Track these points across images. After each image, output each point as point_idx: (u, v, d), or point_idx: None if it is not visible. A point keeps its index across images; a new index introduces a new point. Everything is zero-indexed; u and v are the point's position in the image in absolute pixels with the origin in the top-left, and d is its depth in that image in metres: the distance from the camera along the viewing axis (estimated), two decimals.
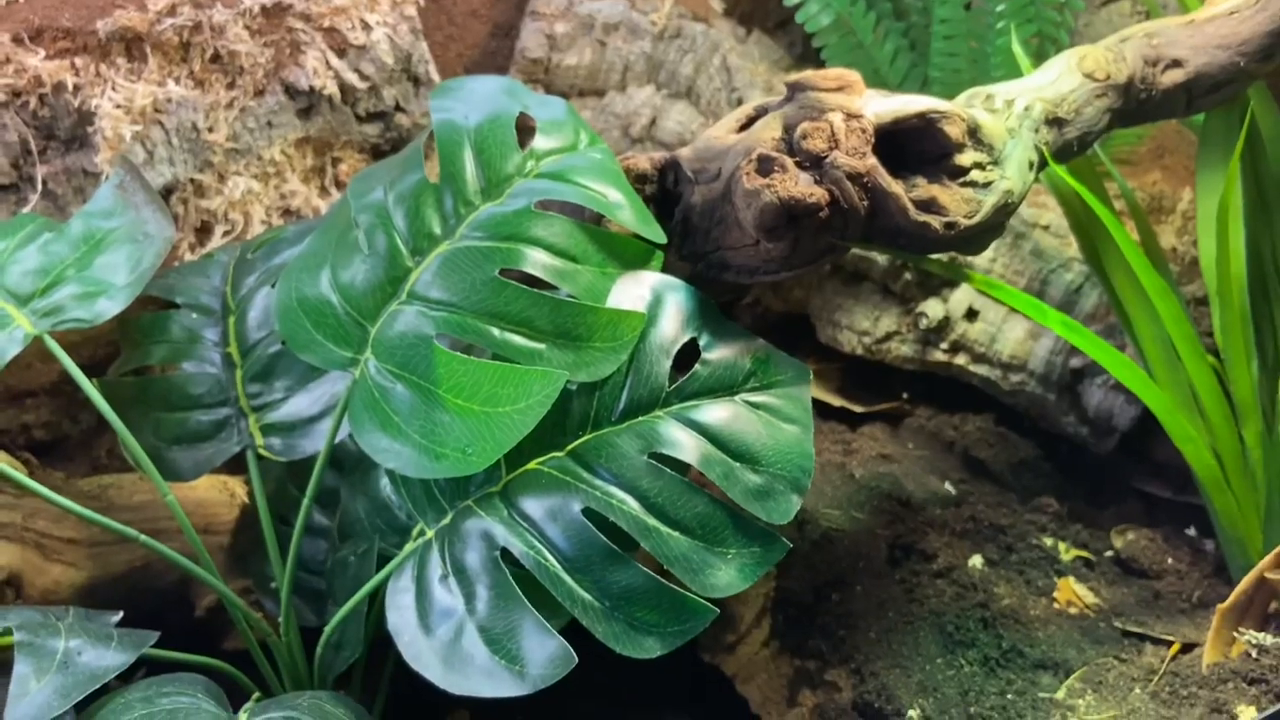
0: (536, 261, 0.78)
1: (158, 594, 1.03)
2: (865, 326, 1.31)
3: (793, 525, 1.12)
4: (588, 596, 0.72)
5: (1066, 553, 1.12)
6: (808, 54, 1.42)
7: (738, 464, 0.77)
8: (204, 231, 1.15)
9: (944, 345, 1.27)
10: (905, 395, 1.34)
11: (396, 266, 0.79)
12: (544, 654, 0.69)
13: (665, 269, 0.90)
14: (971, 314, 1.25)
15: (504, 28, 1.42)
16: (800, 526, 1.11)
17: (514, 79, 0.88)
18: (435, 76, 1.24)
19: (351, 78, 1.17)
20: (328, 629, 0.86)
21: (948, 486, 1.22)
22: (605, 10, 1.34)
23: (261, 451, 0.93)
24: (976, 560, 1.09)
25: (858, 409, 1.35)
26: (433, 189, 0.81)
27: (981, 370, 1.25)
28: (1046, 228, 1.22)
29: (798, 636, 1.03)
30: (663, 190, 0.93)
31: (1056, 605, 1.06)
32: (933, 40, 1.27)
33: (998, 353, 1.24)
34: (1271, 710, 0.89)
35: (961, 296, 1.25)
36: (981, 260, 1.23)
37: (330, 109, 1.18)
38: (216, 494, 1.06)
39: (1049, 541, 1.13)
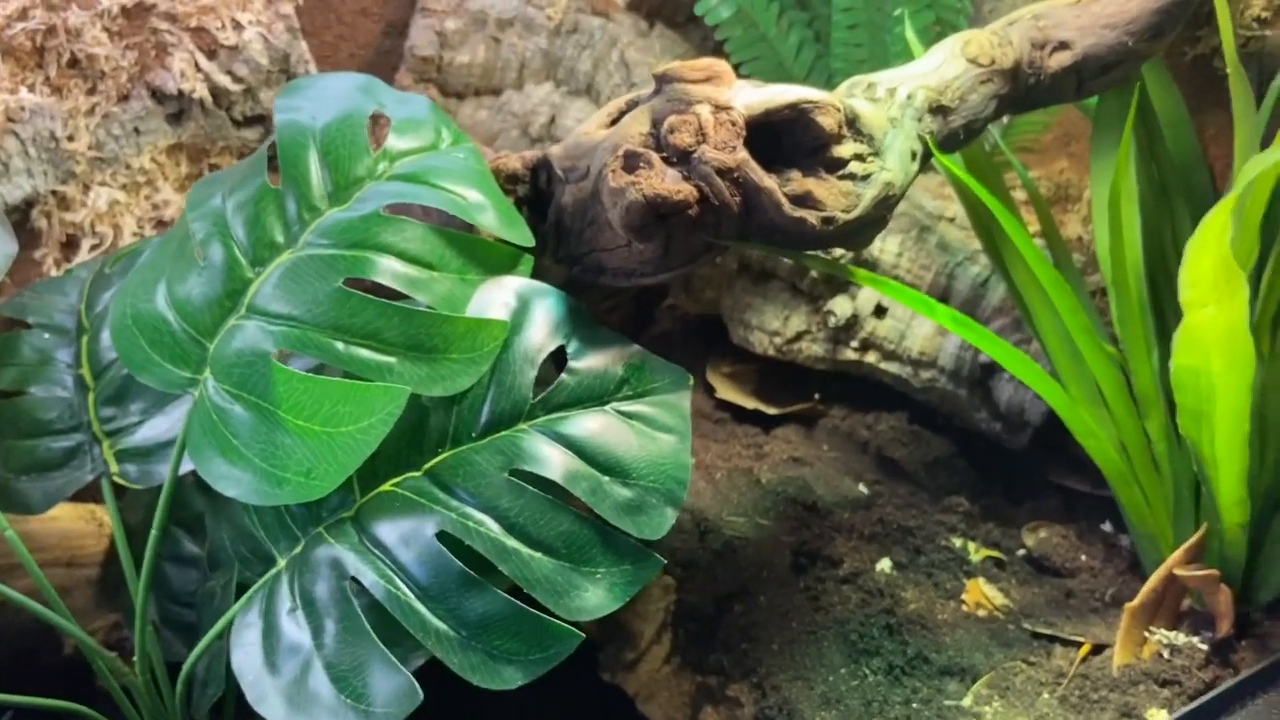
0: (387, 270, 0.73)
1: (23, 632, 0.97)
2: (775, 326, 1.28)
3: (695, 535, 1.09)
4: (442, 626, 0.67)
5: (976, 553, 1.09)
6: (715, 47, 1.38)
7: (607, 478, 0.73)
8: (70, 246, 1.09)
9: (854, 343, 1.23)
10: (817, 396, 1.30)
11: (235, 279, 0.74)
12: (389, 690, 0.64)
13: (540, 273, 0.85)
14: (880, 311, 1.21)
15: (397, 26, 1.37)
16: (702, 536, 1.07)
17: (371, 76, 0.83)
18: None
19: (224, 80, 1.11)
20: (186, 666, 0.80)
21: (861, 488, 1.18)
22: (498, 6, 1.30)
23: (116, 479, 0.87)
24: (885, 564, 1.06)
25: (771, 411, 1.32)
26: (274, 195, 0.76)
27: (892, 368, 1.22)
28: (952, 220, 1.19)
29: (699, 651, 0.99)
30: (536, 190, 0.89)
31: (965, 608, 1.03)
32: (834, 30, 1.24)
33: (907, 349, 1.21)
34: (1183, 711, 0.87)
35: (869, 293, 1.22)
36: (888, 255, 1.20)
37: (203, 113, 1.12)
38: (83, 524, 1.00)
39: (959, 542, 1.10)
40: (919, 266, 1.19)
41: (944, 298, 1.20)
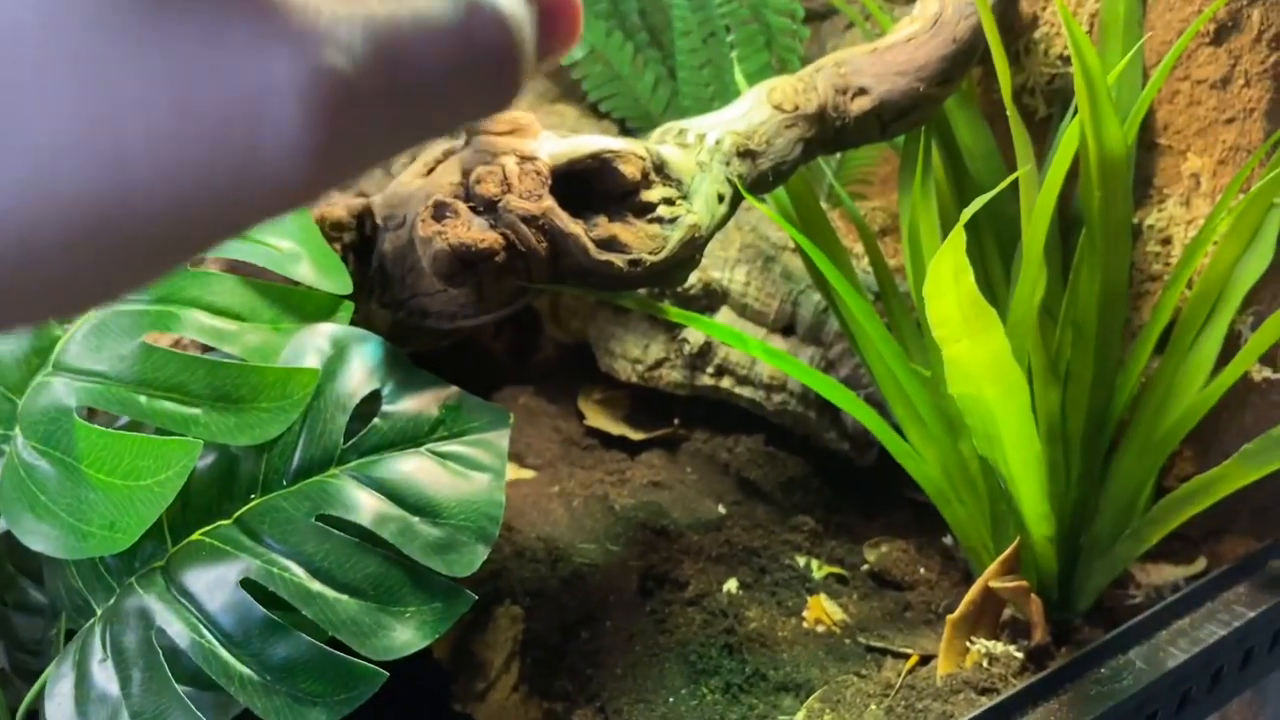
0: (193, 323, 0.75)
1: None
2: (637, 354, 1.32)
3: (546, 564, 1.12)
4: (246, 671, 0.69)
5: (819, 570, 1.13)
6: (575, 88, 1.42)
7: (416, 518, 0.76)
8: None
9: (709, 370, 1.27)
10: (677, 420, 1.34)
11: (43, 335, 0.76)
12: None
13: (368, 318, 0.88)
14: None
15: None
16: (553, 565, 1.10)
17: None
18: None
19: None
20: (20, 713, 0.81)
21: (720, 509, 1.22)
22: None
23: None
24: (731, 585, 1.10)
25: (636, 436, 1.35)
26: None
27: (746, 392, 1.27)
28: (795, 250, 1.24)
29: (546, 678, 1.02)
30: (362, 237, 0.91)
31: (805, 625, 1.07)
32: (679, 70, 1.28)
33: (758, 374, 1.25)
34: (978, 711, 0.91)
35: (721, 320, 1.26)
36: (736, 285, 1.24)
37: None
38: None
39: (803, 560, 1.14)
40: (765, 294, 1.24)
41: (790, 324, 1.24)
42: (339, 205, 0.91)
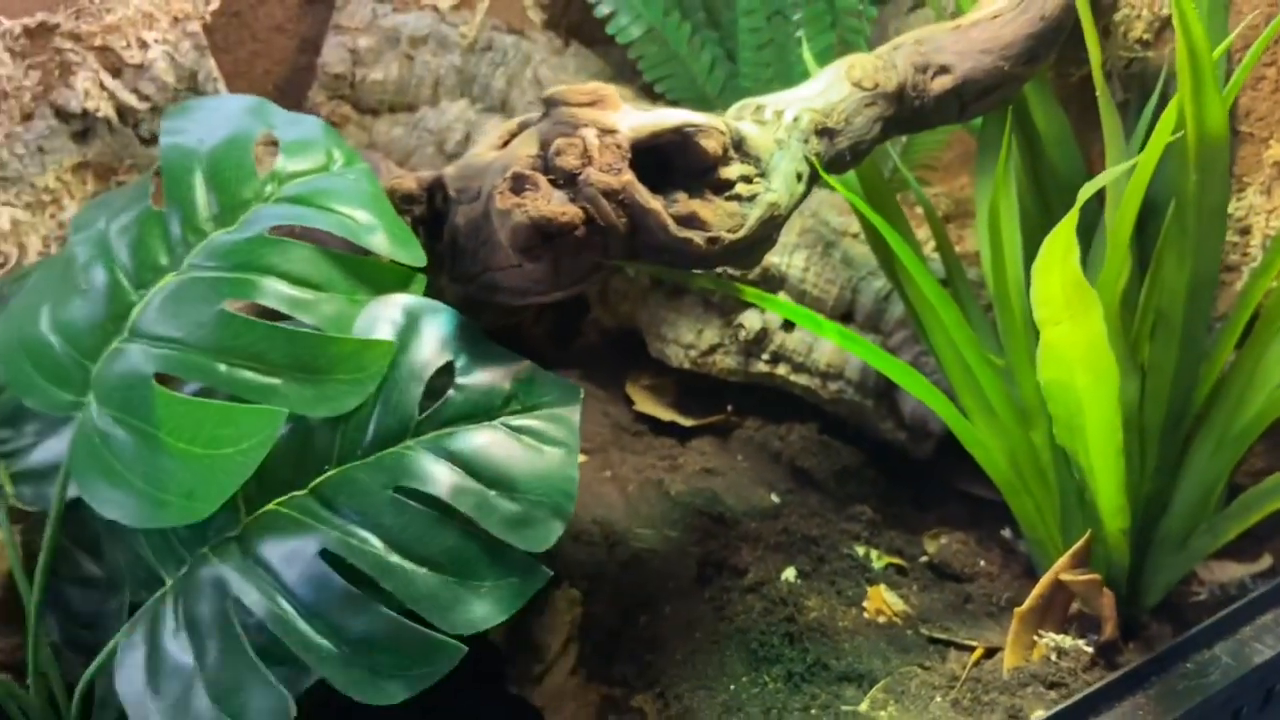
0: (272, 291, 0.74)
1: None
2: (690, 340, 1.30)
3: (603, 548, 1.10)
4: (324, 644, 0.68)
5: (879, 560, 1.12)
6: (632, 66, 1.40)
7: (493, 492, 0.74)
8: None
9: (765, 356, 1.26)
10: (731, 407, 1.32)
11: (118, 302, 0.74)
12: (264, 707, 0.65)
13: (438, 292, 0.86)
14: (789, 324, 1.24)
15: (311, 42, 1.38)
16: (610, 548, 1.09)
17: (262, 98, 0.84)
18: (225, 93, 1.19)
19: (129, 98, 1.11)
20: (80, 686, 0.80)
21: (773, 497, 1.21)
22: (412, 23, 1.31)
23: (12, 501, 0.87)
24: (789, 573, 1.08)
25: (687, 423, 1.34)
26: (158, 217, 0.76)
27: (802, 380, 1.25)
28: (856, 235, 1.22)
29: (604, 662, 1.00)
30: (432, 210, 0.90)
31: (866, 615, 1.05)
32: (741, 50, 1.26)
33: (815, 362, 1.23)
34: (1055, 710, 0.90)
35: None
36: (794, 270, 1.22)
37: (109, 131, 1.12)
38: None
39: (861, 550, 1.12)
40: (824, 281, 1.22)
41: (849, 311, 1.22)
42: (409, 178, 0.89)
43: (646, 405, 1.38)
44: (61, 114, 1.09)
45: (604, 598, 1.04)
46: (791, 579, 1.08)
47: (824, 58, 1.14)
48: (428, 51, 1.31)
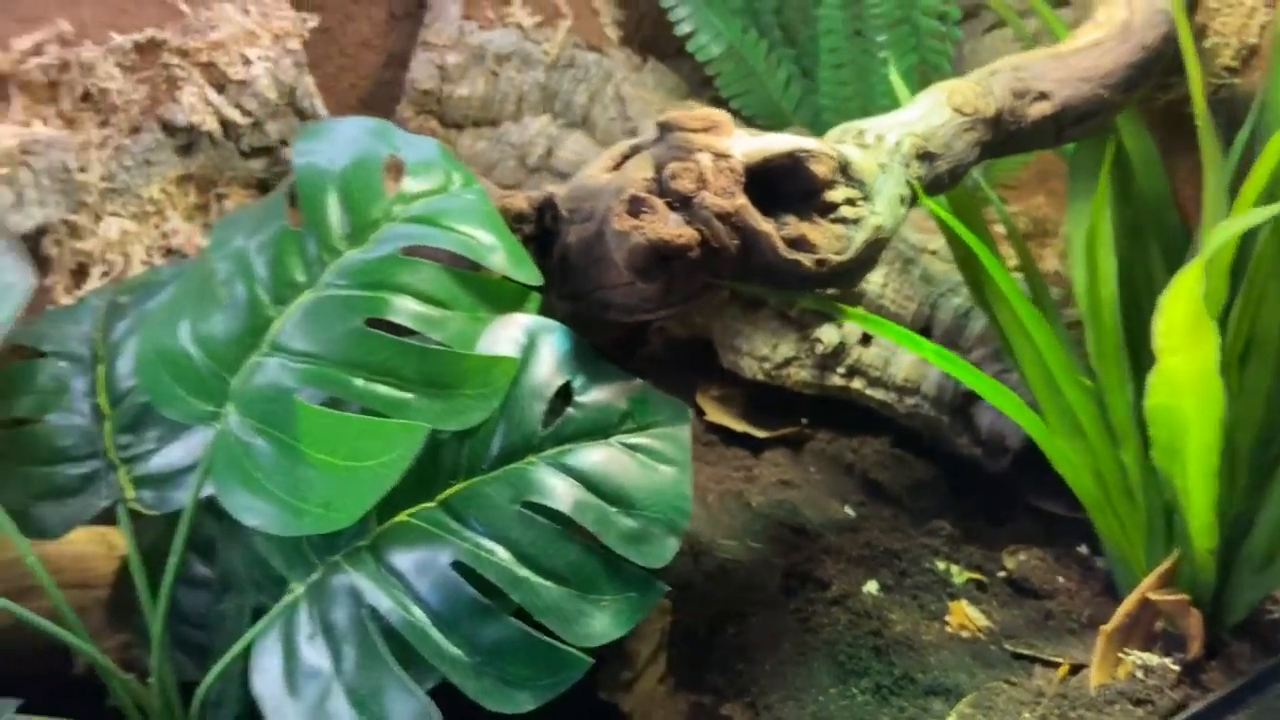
0: (403, 309, 0.77)
1: (35, 653, 0.99)
2: (764, 352, 1.32)
3: (689, 557, 1.13)
4: (456, 652, 0.70)
5: (959, 575, 1.13)
6: (705, 82, 1.43)
7: (613, 508, 0.77)
8: (80, 274, 1.11)
9: (840, 370, 1.27)
10: (805, 420, 1.34)
11: (258, 317, 0.77)
12: (407, 714, 0.67)
13: (546, 309, 0.89)
14: (866, 339, 1.26)
15: (398, 58, 1.41)
16: (696, 558, 1.11)
17: (384, 120, 0.87)
18: (322, 109, 1.22)
19: (232, 113, 1.14)
20: (202, 687, 0.83)
21: (847, 510, 1.22)
22: (497, 40, 1.33)
23: (132, 505, 0.90)
24: (871, 586, 1.10)
25: (760, 434, 1.36)
26: (295, 236, 0.79)
27: (877, 394, 1.27)
28: (934, 253, 1.24)
29: (694, 671, 1.02)
30: (542, 229, 0.92)
31: (949, 629, 1.07)
32: (820, 69, 1.28)
33: (892, 376, 1.25)
34: None
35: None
36: (873, 286, 1.24)
37: (212, 145, 1.15)
38: (94, 547, 1.02)
39: (942, 565, 1.14)
40: (903, 297, 1.24)
41: (927, 328, 1.24)
42: (519, 197, 0.92)
43: (719, 416, 1.40)
44: (167, 128, 1.12)
45: (692, 607, 1.06)
46: (874, 592, 1.09)
47: (907, 78, 1.16)
48: (512, 68, 1.34)
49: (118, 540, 1.05)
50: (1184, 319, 0.69)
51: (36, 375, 0.95)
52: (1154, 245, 1.01)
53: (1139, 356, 1.02)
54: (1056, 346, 0.94)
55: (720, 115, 0.85)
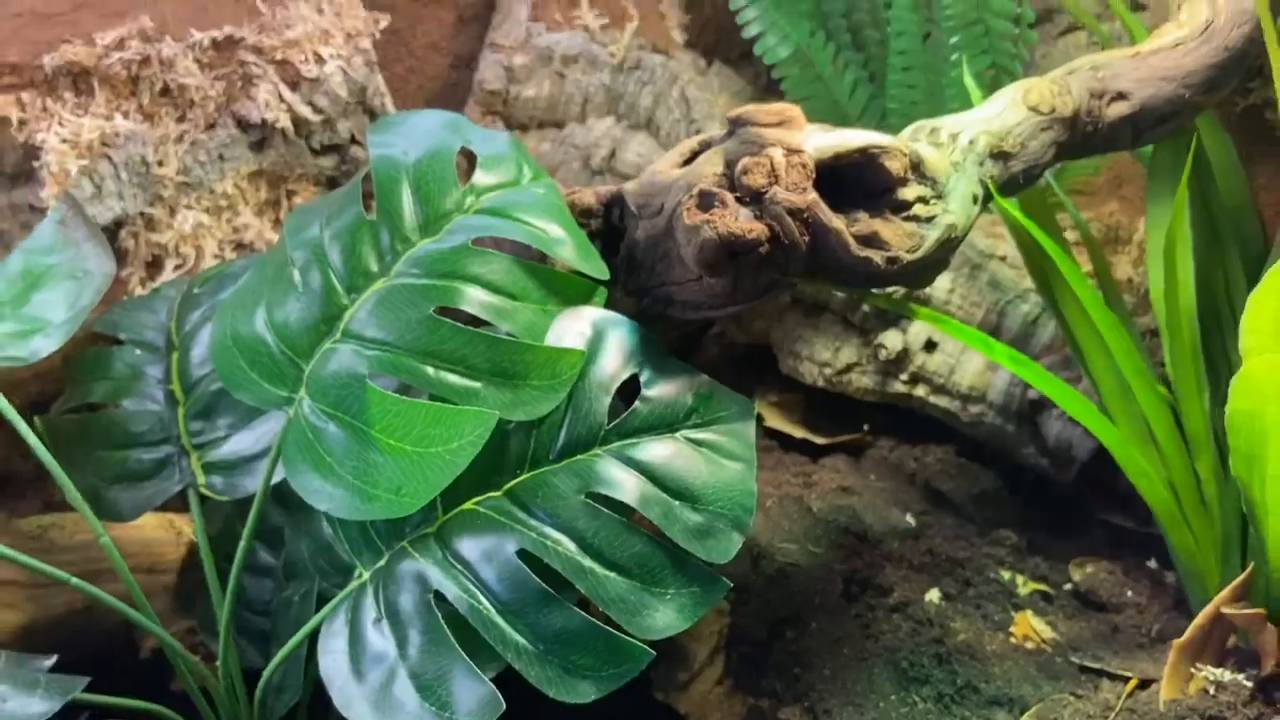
0: (474, 299, 0.77)
1: (102, 635, 1.01)
2: (826, 358, 1.31)
3: (748, 561, 1.12)
4: (521, 640, 0.70)
5: (1024, 586, 1.11)
6: (770, 85, 1.42)
7: (677, 503, 0.76)
8: (155, 265, 1.14)
9: (904, 377, 1.26)
10: (866, 426, 1.33)
11: (331, 304, 0.78)
12: (473, 700, 0.67)
13: (611, 304, 0.89)
14: (930, 345, 1.24)
15: (464, 59, 1.42)
16: (755, 562, 1.10)
17: (457, 114, 0.87)
18: (391, 108, 1.24)
19: (305, 110, 1.16)
20: (267, 671, 0.84)
21: (909, 518, 1.21)
22: (564, 42, 1.34)
23: (203, 490, 0.91)
24: (934, 594, 1.08)
25: (820, 441, 1.34)
26: (369, 226, 0.80)
27: (941, 402, 1.25)
28: (1003, 258, 1.22)
29: (752, 674, 1.01)
30: (609, 225, 0.93)
31: (1013, 640, 1.05)
32: (889, 72, 1.27)
33: (956, 384, 1.23)
34: None
35: (920, 328, 1.25)
36: (939, 291, 1.22)
37: (284, 142, 1.17)
38: (163, 533, 1.04)
39: (1007, 575, 1.12)
40: (970, 303, 1.22)
41: (994, 334, 1.22)
42: (588, 192, 0.92)
43: (778, 422, 1.39)
44: (242, 124, 1.15)
45: (751, 611, 1.05)
46: (937, 600, 1.08)
47: (978, 82, 1.15)
48: (578, 70, 1.35)
49: (184, 526, 1.07)
50: (1272, 318, 0.68)
51: (113, 362, 0.97)
52: (1233, 252, 0.99)
53: (1216, 365, 1.00)
54: (1131, 353, 0.92)
55: (793, 110, 0.84)
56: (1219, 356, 1.01)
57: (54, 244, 0.92)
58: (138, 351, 0.97)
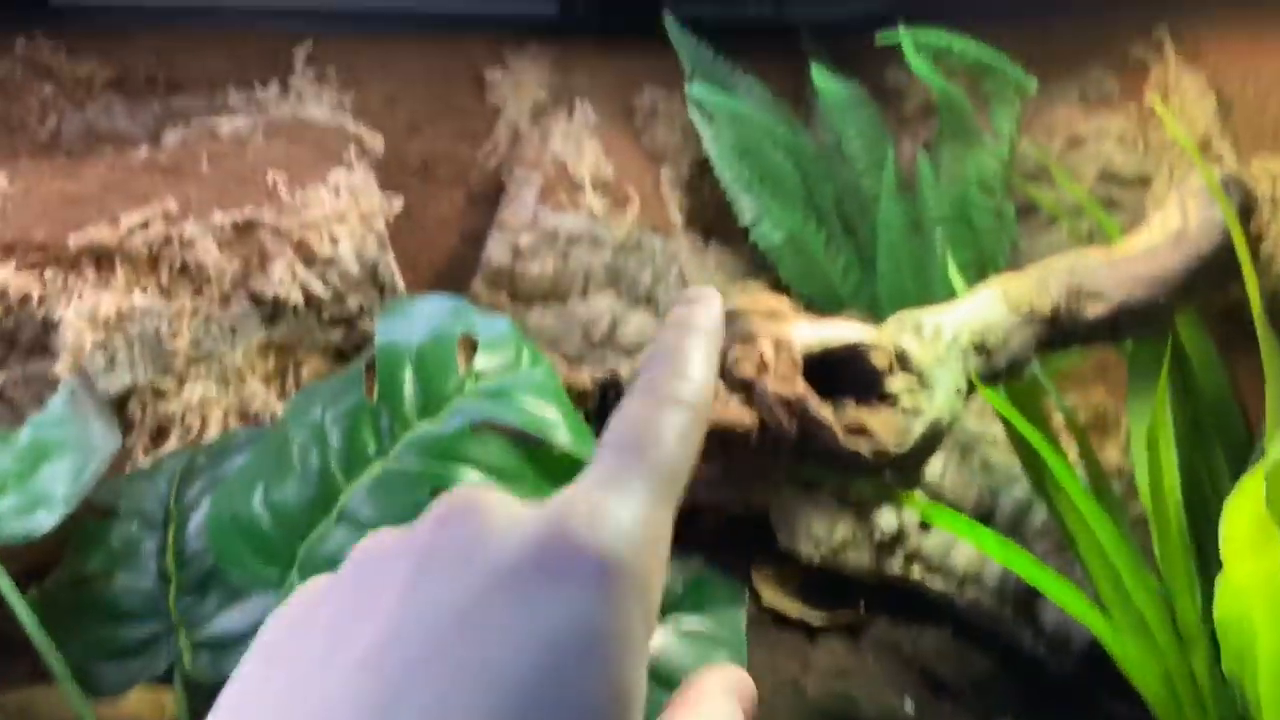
0: (470, 481, 0.79)
1: None
2: (821, 534, 1.31)
3: None
4: None
5: None
6: (765, 264, 1.48)
7: (666, 693, 0.76)
8: (160, 435, 1.16)
9: (899, 556, 1.26)
10: (863, 603, 1.32)
11: (329, 486, 0.80)
12: None
13: None
14: (925, 525, 1.25)
15: (475, 236, 1.48)
16: None
17: (461, 298, 0.91)
18: (400, 284, 1.29)
19: (317, 287, 1.21)
20: None
21: (908, 707, 1.19)
22: (569, 223, 1.40)
23: (189, 670, 0.90)
24: None
25: (816, 622, 1.33)
26: (370, 410, 0.83)
27: (937, 583, 1.24)
28: (994, 441, 1.24)
29: None
30: (603, 406, 0.95)
31: None
32: (879, 260, 1.32)
33: (952, 566, 1.23)
34: None
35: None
36: (931, 474, 1.24)
37: (295, 316, 1.21)
38: (147, 709, 1.03)
39: None
40: (962, 485, 1.23)
41: (987, 517, 1.23)
42: (584, 375, 0.95)
43: (774, 597, 1.38)
44: (255, 298, 1.19)
45: None
46: None
47: (964, 272, 1.19)
48: (582, 249, 1.40)
49: (168, 702, 1.06)
50: (1248, 526, 0.69)
51: (109, 535, 0.98)
52: (1217, 443, 1.01)
53: (1206, 557, 1.00)
54: (1121, 544, 0.93)
55: (782, 303, 0.88)
56: (1210, 547, 1.01)
57: (63, 417, 0.94)
58: (135, 524, 0.98)
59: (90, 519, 1.01)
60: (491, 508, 0.32)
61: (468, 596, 0.29)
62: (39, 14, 1.26)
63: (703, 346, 0.37)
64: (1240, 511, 0.69)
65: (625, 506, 0.31)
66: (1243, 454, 1.01)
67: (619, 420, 0.34)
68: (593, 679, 0.27)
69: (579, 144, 1.45)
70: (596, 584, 0.28)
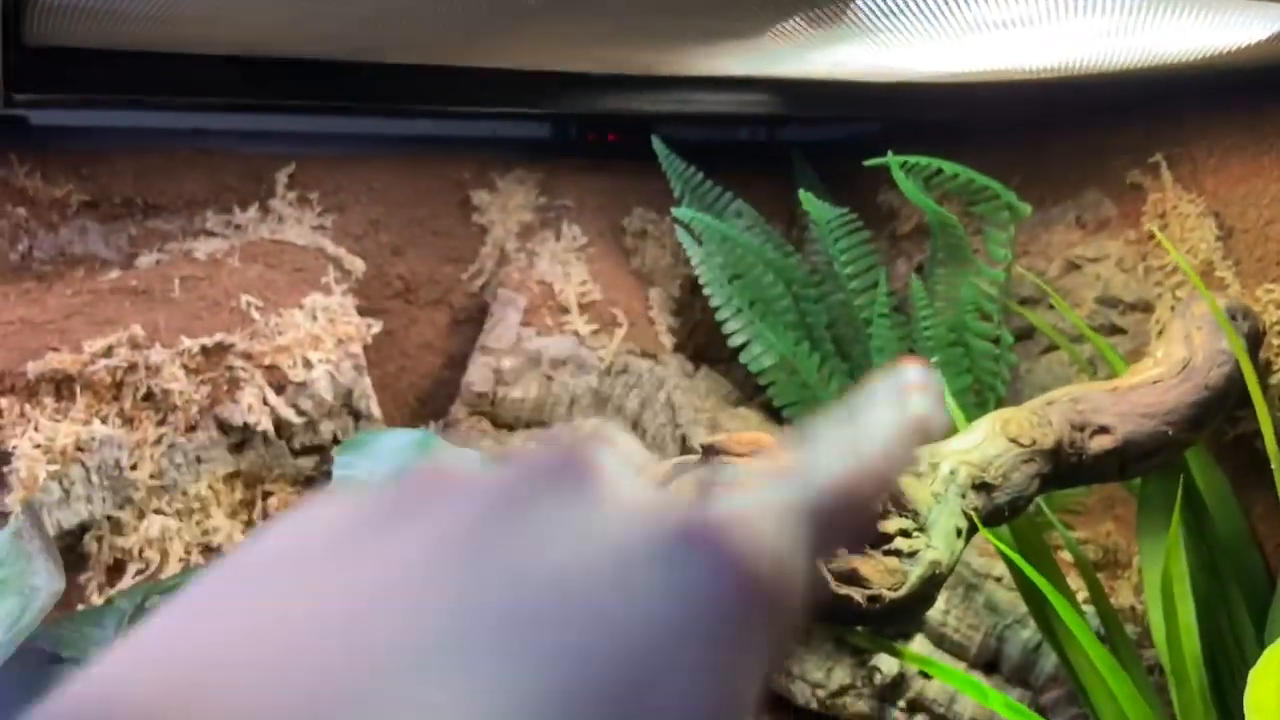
0: None
1: None
2: (818, 678, 1.23)
3: None
4: None
5: None
6: (757, 388, 1.43)
7: None
8: (116, 570, 1.10)
9: (901, 703, 1.18)
10: None
11: None
12: None
13: None
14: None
15: (457, 359, 1.44)
16: None
17: (426, 432, 0.87)
18: (376, 410, 1.24)
19: (288, 413, 1.16)
20: None
21: None
22: (554, 347, 1.37)
23: None
24: None
25: None
26: None
27: None
28: (999, 579, 1.17)
29: None
30: None
31: None
32: None
33: (958, 714, 1.15)
34: None
35: (915, 651, 1.18)
36: (934, 613, 1.17)
37: (264, 444, 1.17)
38: None
39: None
40: (967, 626, 1.16)
41: (994, 661, 1.16)
42: None
43: None
44: (223, 426, 1.14)
45: None
46: None
47: (961, 398, 1.15)
48: (567, 373, 1.36)
49: None
50: (1273, 695, 0.62)
51: (49, 683, 0.91)
52: (1234, 586, 0.94)
53: (1227, 707, 0.93)
54: (1135, 696, 0.86)
55: (765, 439, 0.83)
56: (1230, 698, 0.94)
57: (6, 556, 0.88)
58: (78, 671, 0.92)
59: (30, 667, 0.95)
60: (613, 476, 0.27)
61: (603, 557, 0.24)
62: (21, 132, 1.25)
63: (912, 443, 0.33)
64: (1266, 681, 0.63)
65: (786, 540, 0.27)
66: (1263, 599, 0.95)
67: (835, 480, 0.29)
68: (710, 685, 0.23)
69: (566, 265, 1.43)
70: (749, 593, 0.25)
